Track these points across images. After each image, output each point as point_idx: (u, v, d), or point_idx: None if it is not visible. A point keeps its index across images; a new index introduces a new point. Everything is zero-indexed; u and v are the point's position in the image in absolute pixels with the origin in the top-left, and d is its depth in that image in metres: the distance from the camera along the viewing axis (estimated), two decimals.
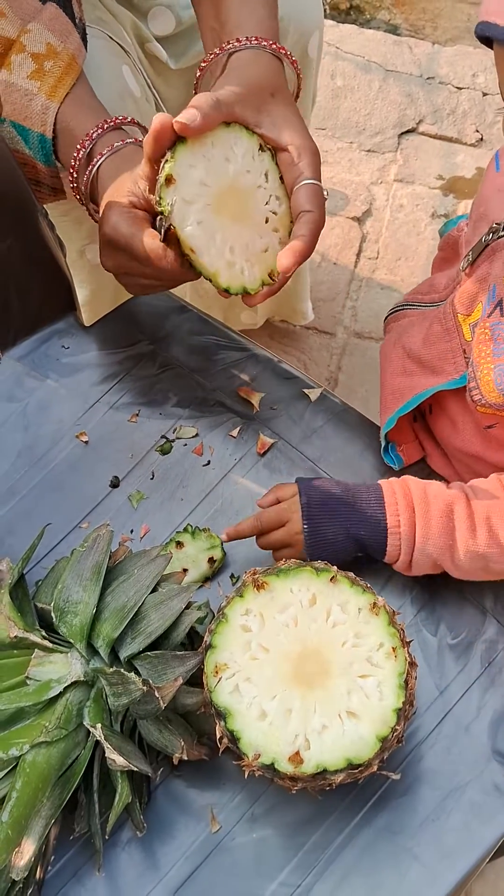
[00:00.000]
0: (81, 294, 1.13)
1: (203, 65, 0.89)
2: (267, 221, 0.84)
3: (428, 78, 2.02)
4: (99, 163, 0.87)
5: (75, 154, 0.88)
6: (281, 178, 0.85)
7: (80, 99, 0.89)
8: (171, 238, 0.79)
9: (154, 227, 0.81)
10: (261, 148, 0.83)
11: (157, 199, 0.78)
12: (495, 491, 0.83)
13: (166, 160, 0.78)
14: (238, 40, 0.86)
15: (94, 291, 1.14)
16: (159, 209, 0.78)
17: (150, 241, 0.81)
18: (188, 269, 0.81)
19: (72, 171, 0.89)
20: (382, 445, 0.92)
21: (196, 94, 0.90)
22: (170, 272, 0.82)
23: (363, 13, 2.20)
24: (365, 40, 2.07)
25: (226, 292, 0.82)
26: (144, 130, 0.92)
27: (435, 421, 0.93)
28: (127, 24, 1.09)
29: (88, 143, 0.88)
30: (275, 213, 0.84)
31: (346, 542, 0.83)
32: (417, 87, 2.00)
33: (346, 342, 1.71)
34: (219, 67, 0.87)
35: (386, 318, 1.04)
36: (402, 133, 1.95)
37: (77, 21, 0.93)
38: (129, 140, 0.88)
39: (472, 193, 1.88)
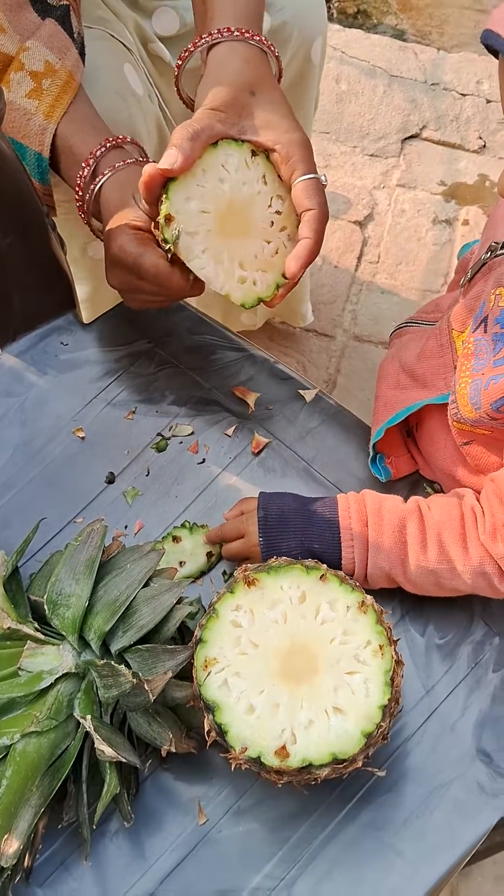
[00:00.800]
0: (82, 291, 1.14)
1: (183, 55, 0.89)
2: (272, 224, 0.85)
3: (432, 84, 2.03)
4: (101, 182, 0.89)
5: (80, 173, 0.90)
6: (280, 175, 0.86)
7: (79, 116, 0.91)
8: (178, 261, 0.82)
9: (160, 247, 0.83)
10: (253, 153, 0.85)
11: (161, 238, 0.81)
12: (451, 507, 0.83)
13: (162, 200, 0.81)
14: (211, 34, 0.85)
15: (95, 288, 1.15)
16: (165, 247, 0.82)
17: (157, 261, 0.83)
18: (195, 285, 0.84)
19: (77, 189, 0.91)
20: (370, 456, 0.93)
21: (177, 87, 0.91)
22: (176, 290, 0.84)
23: (370, 18, 2.21)
24: (370, 45, 2.08)
25: (244, 307, 0.84)
26: (142, 150, 0.93)
27: (420, 437, 0.94)
28: (130, 24, 1.10)
29: (93, 161, 0.90)
30: (279, 212, 0.85)
31: (303, 555, 0.84)
32: (422, 92, 2.01)
33: (346, 345, 1.72)
34: (201, 61, 0.88)
35: (391, 334, 1.05)
36: (406, 138, 1.97)
37: (75, 35, 0.94)
38: (129, 161, 0.89)
39: (474, 200, 1.89)
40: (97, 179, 0.89)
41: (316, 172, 0.85)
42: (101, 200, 0.90)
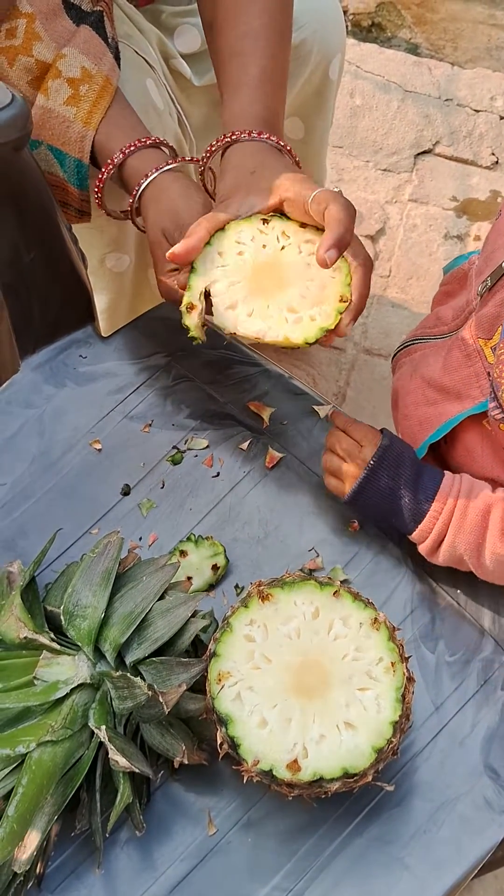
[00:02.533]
0: (100, 301, 1.15)
1: (205, 156, 0.95)
2: (310, 265, 0.86)
3: (446, 100, 2.04)
4: (145, 183, 0.91)
5: (106, 166, 0.92)
6: (301, 224, 0.87)
7: (116, 121, 0.93)
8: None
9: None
10: (264, 221, 0.87)
11: (184, 325, 0.85)
12: None
13: (185, 292, 0.85)
14: (220, 139, 0.91)
15: (112, 299, 1.17)
16: (189, 335, 0.85)
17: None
18: None
19: (99, 181, 0.94)
20: None
21: (202, 181, 0.97)
22: None
23: (384, 31, 2.23)
24: (385, 60, 2.09)
25: (307, 345, 0.84)
26: (171, 149, 0.95)
27: (451, 452, 0.95)
28: (153, 40, 1.12)
29: (120, 157, 0.92)
30: (312, 253, 0.87)
31: (391, 499, 0.87)
32: (435, 108, 2.03)
33: (356, 358, 1.74)
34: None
35: (394, 355, 1.06)
36: (419, 154, 1.98)
37: (110, 40, 0.96)
38: (163, 167, 0.92)
39: (486, 216, 1.91)
40: (141, 182, 0.92)
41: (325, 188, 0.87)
42: (142, 204, 0.93)
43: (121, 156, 0.92)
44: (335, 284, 0.85)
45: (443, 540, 0.86)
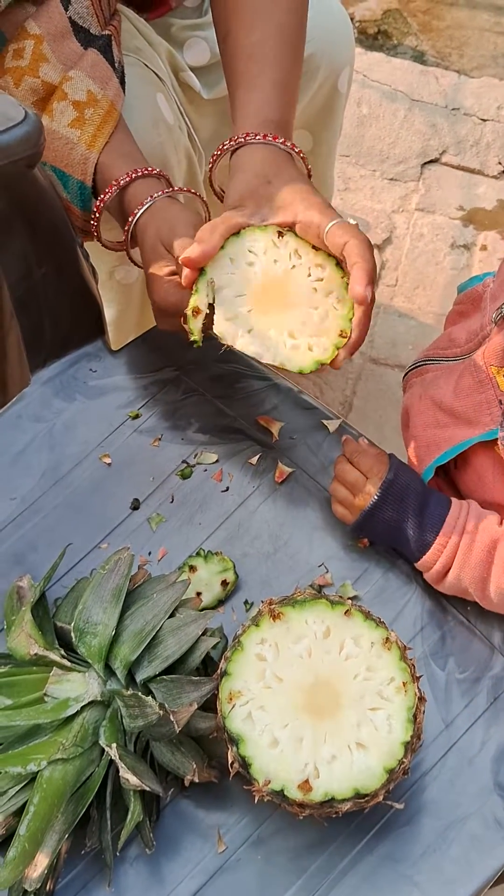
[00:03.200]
0: (108, 313, 1.15)
1: (212, 157, 0.94)
2: (316, 291, 0.86)
3: (453, 109, 2.05)
4: (140, 212, 0.91)
5: (102, 196, 0.92)
6: (313, 246, 0.87)
7: (118, 148, 0.93)
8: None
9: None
10: (279, 234, 0.87)
11: (189, 329, 0.85)
12: None
13: (192, 294, 0.84)
14: (232, 139, 0.90)
15: (120, 311, 1.17)
16: (191, 339, 0.85)
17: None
18: None
19: (94, 216, 0.94)
20: None
21: (210, 184, 0.96)
22: None
23: (390, 38, 2.23)
24: (392, 69, 2.10)
25: (301, 373, 0.85)
26: (169, 182, 0.95)
27: (461, 476, 0.95)
28: (163, 54, 1.12)
29: (116, 189, 0.92)
30: (320, 279, 0.87)
31: (396, 530, 0.88)
32: (442, 117, 2.03)
33: (363, 368, 1.74)
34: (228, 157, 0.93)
35: (406, 374, 1.06)
36: (425, 163, 1.98)
37: (116, 65, 0.96)
38: (160, 194, 0.91)
39: (493, 225, 1.91)
40: (136, 211, 0.91)
41: (335, 213, 0.87)
42: (138, 229, 0.92)
43: (127, 179, 0.92)
44: (337, 318, 0.85)
45: (447, 571, 0.86)
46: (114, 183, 0.92)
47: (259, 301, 0.86)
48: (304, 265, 0.87)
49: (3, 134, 0.78)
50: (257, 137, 0.90)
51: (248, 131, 0.90)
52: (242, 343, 0.85)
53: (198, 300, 0.84)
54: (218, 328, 0.85)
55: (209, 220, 0.96)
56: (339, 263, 0.87)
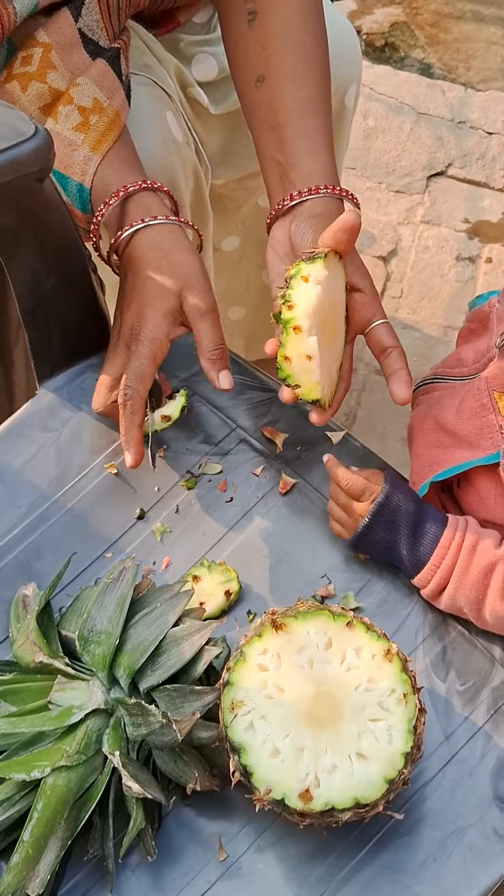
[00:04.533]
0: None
1: (274, 211, 0.95)
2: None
3: (459, 122, 2.06)
4: (140, 226, 0.91)
5: (107, 200, 0.92)
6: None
7: (122, 157, 0.94)
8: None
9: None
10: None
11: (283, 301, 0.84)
12: None
13: (287, 283, 0.84)
14: (308, 190, 0.92)
15: None
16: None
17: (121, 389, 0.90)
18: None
19: (96, 221, 0.93)
20: None
21: (269, 233, 0.96)
22: None
23: (397, 51, 2.24)
24: (399, 82, 2.11)
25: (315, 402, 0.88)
26: (173, 202, 0.96)
27: (463, 495, 0.95)
28: (171, 69, 1.14)
29: (123, 194, 0.91)
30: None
31: (390, 552, 0.89)
32: (448, 130, 2.04)
33: (367, 379, 1.75)
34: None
35: (414, 390, 1.06)
36: (431, 175, 1.99)
37: (123, 78, 0.97)
38: (171, 218, 0.92)
39: (498, 238, 1.92)
40: (133, 224, 0.91)
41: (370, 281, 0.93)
42: (132, 245, 0.92)
43: (136, 187, 0.92)
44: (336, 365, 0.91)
45: (442, 590, 0.87)
46: (121, 190, 0.92)
47: (322, 327, 0.86)
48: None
49: (13, 148, 0.79)
50: (317, 192, 0.92)
51: (315, 185, 0.92)
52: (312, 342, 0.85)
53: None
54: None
55: (201, 247, 0.98)
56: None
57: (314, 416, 0.90)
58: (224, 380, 0.91)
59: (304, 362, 0.85)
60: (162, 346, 0.91)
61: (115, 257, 0.96)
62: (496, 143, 2.03)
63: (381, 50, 2.24)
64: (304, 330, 0.83)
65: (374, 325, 0.92)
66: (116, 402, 0.90)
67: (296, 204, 0.92)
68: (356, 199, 0.96)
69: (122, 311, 0.93)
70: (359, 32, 2.20)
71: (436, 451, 0.94)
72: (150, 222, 0.91)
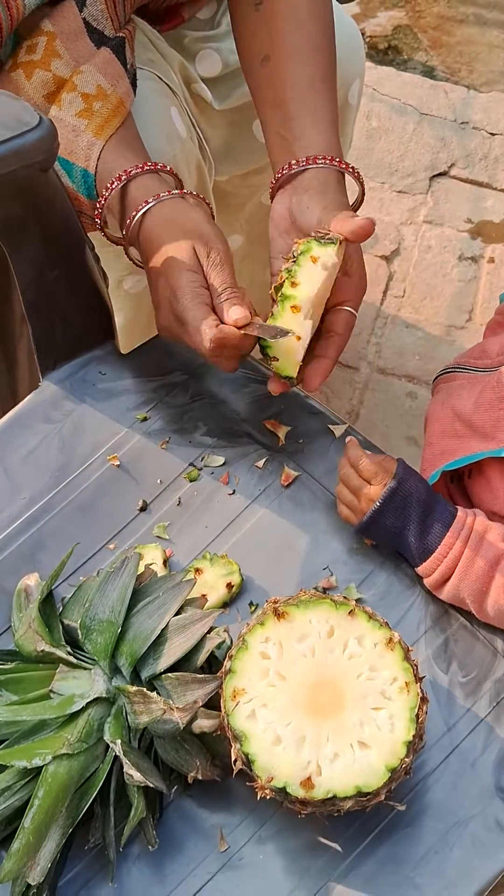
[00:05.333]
0: (118, 320, 1.16)
1: (277, 176, 0.95)
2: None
3: (462, 123, 2.06)
4: (144, 209, 0.90)
5: (108, 185, 0.92)
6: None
7: (125, 141, 0.94)
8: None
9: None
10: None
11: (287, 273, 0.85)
12: None
13: (293, 258, 0.85)
14: (307, 159, 0.92)
15: (129, 319, 1.18)
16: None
17: (201, 319, 0.86)
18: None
19: (99, 206, 0.93)
20: None
21: (272, 200, 0.96)
22: (206, 351, 0.87)
23: (400, 53, 2.25)
24: (402, 83, 2.12)
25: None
26: (178, 180, 0.96)
27: (473, 486, 0.95)
28: (175, 65, 1.14)
29: (125, 178, 0.91)
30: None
31: (398, 538, 0.89)
32: (451, 131, 2.05)
33: (369, 377, 1.75)
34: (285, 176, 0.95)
35: (435, 378, 1.06)
36: (434, 176, 2.00)
37: (128, 67, 0.97)
38: (173, 193, 0.92)
39: (500, 238, 1.92)
40: (139, 207, 0.91)
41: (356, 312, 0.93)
42: (143, 229, 0.91)
43: (138, 170, 0.91)
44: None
45: (447, 580, 0.87)
46: (122, 174, 0.91)
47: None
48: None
49: (17, 138, 0.79)
50: (319, 162, 0.92)
51: (316, 155, 0.93)
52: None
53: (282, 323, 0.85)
54: None
55: (213, 216, 0.97)
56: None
57: (274, 387, 0.91)
58: (234, 312, 0.86)
59: (292, 341, 0.85)
60: (205, 297, 0.88)
61: (133, 251, 0.96)
62: (499, 144, 2.03)
63: (385, 53, 2.24)
64: (301, 311, 0.83)
65: (340, 308, 0.91)
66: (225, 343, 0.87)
67: (296, 174, 0.93)
68: (358, 173, 0.96)
69: (156, 292, 0.92)
70: (362, 35, 2.21)
71: (450, 440, 0.94)
72: (152, 202, 0.91)
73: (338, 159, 0.93)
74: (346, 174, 0.95)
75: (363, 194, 0.98)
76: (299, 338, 0.84)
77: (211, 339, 0.85)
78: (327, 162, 0.92)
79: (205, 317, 0.86)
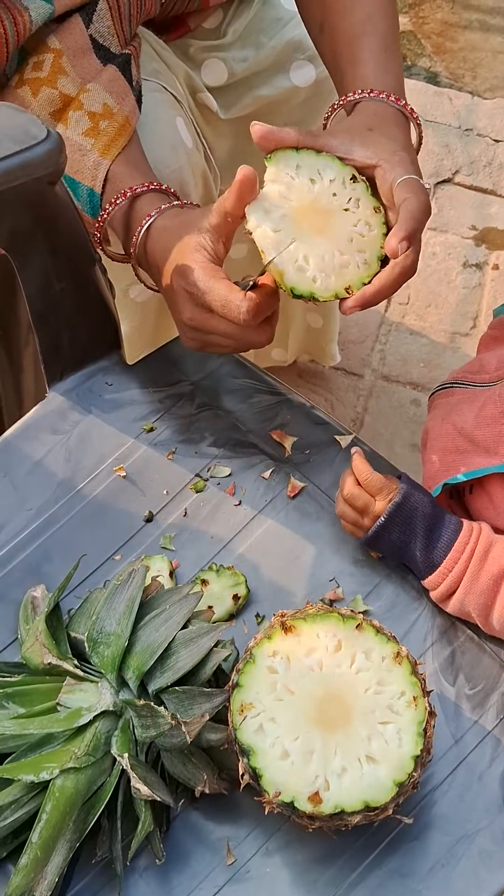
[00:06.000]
0: (124, 329, 1.17)
1: (334, 105, 0.94)
2: (352, 241, 0.85)
3: (466, 130, 2.07)
4: (148, 223, 0.90)
5: (112, 200, 0.92)
6: (376, 208, 0.86)
7: (131, 161, 0.94)
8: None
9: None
10: (353, 178, 0.86)
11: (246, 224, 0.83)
12: None
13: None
14: (360, 92, 0.91)
15: (134, 328, 1.18)
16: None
17: (227, 293, 0.83)
18: (262, 328, 0.85)
19: (101, 220, 0.93)
20: None
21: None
22: (242, 329, 0.84)
23: (404, 59, 2.25)
24: (406, 90, 2.12)
25: (292, 293, 0.83)
26: (177, 198, 0.95)
27: (474, 501, 0.95)
28: (180, 75, 1.14)
29: (130, 195, 0.92)
30: (363, 235, 0.85)
31: (403, 550, 0.89)
32: (455, 138, 2.05)
33: (374, 384, 1.75)
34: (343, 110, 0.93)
35: (432, 394, 1.06)
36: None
37: (134, 83, 0.98)
38: (169, 206, 0.91)
39: None
40: (143, 222, 0.91)
41: (420, 176, 0.85)
42: (148, 243, 0.92)
43: (143, 188, 0.92)
44: (354, 272, 0.84)
45: (452, 594, 0.87)
46: (127, 191, 0.92)
47: (300, 213, 0.84)
48: (355, 215, 0.85)
49: (25, 152, 0.79)
50: (372, 94, 0.90)
51: (364, 89, 0.90)
52: (260, 232, 0.82)
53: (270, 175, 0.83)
54: (262, 240, 0.82)
55: None
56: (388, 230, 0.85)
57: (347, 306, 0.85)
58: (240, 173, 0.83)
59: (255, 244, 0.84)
60: (219, 272, 0.86)
61: (143, 272, 0.96)
62: (503, 151, 2.03)
63: None
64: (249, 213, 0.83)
65: (399, 181, 0.84)
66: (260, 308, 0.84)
67: (352, 106, 0.91)
68: (417, 116, 0.93)
69: (171, 292, 0.89)
70: None
71: (452, 456, 0.94)
72: (155, 215, 0.91)
73: (395, 96, 0.91)
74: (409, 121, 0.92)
75: (420, 139, 0.95)
76: (250, 233, 0.83)
77: (247, 310, 0.82)
78: (382, 96, 0.90)
79: (228, 291, 0.83)
